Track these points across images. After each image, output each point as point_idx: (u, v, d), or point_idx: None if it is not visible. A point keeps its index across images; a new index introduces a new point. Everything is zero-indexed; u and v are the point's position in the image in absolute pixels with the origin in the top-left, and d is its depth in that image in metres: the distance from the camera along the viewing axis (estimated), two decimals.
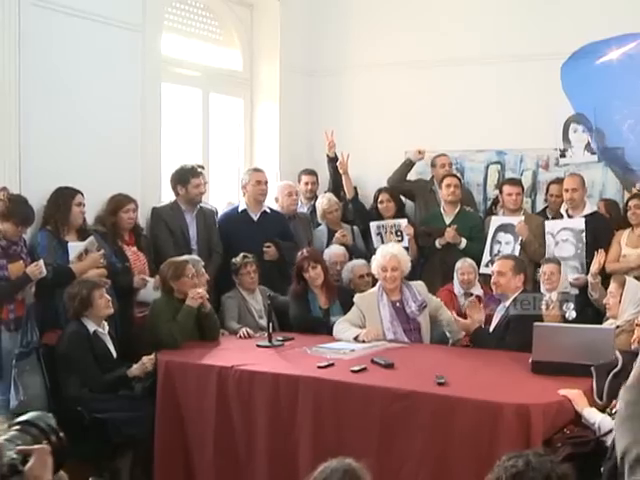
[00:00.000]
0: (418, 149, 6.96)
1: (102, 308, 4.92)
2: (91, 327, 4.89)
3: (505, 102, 7.03)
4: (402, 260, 5.41)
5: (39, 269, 4.79)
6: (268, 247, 6.29)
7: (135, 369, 4.85)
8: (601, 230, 6.10)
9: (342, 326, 5.33)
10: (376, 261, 5.44)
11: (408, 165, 7.06)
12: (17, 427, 1.75)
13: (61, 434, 1.79)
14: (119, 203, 5.67)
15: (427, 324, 5.39)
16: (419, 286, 5.48)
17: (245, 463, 4.51)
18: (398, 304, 5.35)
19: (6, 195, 4.86)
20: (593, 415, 3.73)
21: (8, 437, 1.70)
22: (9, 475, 1.60)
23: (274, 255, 6.30)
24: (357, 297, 5.50)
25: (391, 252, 5.42)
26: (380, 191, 6.95)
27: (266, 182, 6.58)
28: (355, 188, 7.03)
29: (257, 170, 6.67)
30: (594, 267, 5.65)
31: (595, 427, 3.66)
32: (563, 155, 6.98)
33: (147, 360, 4.87)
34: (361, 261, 6.26)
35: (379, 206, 6.87)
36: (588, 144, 6.80)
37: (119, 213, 5.65)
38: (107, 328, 5.00)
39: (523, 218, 6.30)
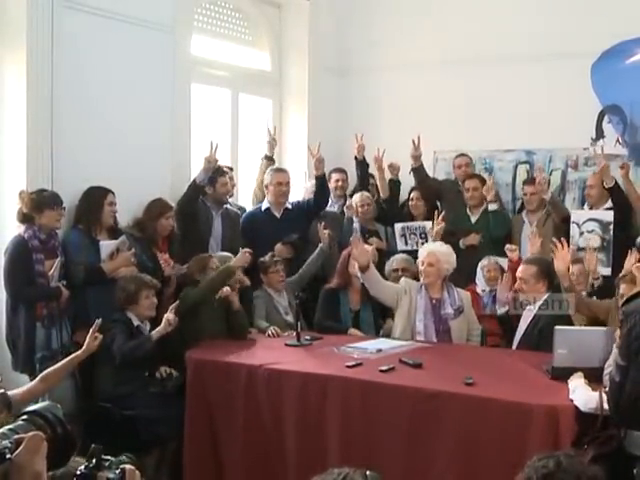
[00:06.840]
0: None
1: (145, 309, 5.00)
2: (135, 321, 4.97)
3: (534, 102, 6.99)
4: (442, 259, 5.40)
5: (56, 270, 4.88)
6: (285, 243, 6.20)
7: (157, 331, 4.87)
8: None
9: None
10: (420, 255, 5.50)
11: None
12: (24, 417, 1.76)
13: (68, 426, 1.79)
14: (162, 209, 5.66)
15: (462, 332, 5.36)
16: (463, 294, 5.47)
17: (274, 462, 4.54)
18: (435, 301, 5.35)
19: (27, 193, 4.89)
20: (574, 384, 3.85)
21: (12, 426, 1.71)
22: None
23: (285, 254, 6.19)
24: (403, 280, 5.53)
25: (431, 248, 5.47)
26: (413, 189, 6.95)
27: (287, 183, 6.50)
28: (392, 189, 7.01)
29: (279, 170, 6.61)
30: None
31: (572, 395, 3.78)
32: (594, 143, 6.88)
33: (170, 317, 4.88)
34: (402, 256, 6.29)
35: (410, 204, 6.87)
36: (620, 137, 6.80)
37: (160, 219, 5.65)
38: (149, 326, 5.05)
39: (535, 229, 6.21)
